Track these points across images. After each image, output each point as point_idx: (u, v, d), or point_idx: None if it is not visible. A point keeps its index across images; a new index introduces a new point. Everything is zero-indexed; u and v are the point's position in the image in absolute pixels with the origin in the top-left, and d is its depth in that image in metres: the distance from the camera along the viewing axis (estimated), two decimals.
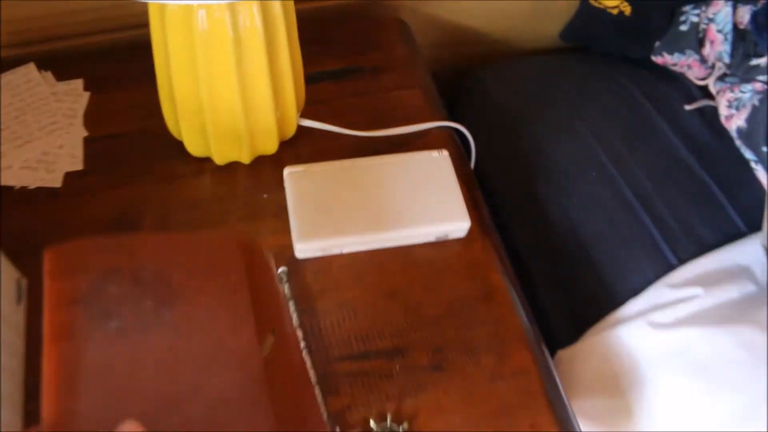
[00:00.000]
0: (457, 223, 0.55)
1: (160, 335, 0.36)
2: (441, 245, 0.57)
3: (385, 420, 0.48)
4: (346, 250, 0.55)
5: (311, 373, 0.49)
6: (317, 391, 0.48)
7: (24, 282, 0.52)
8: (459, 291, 0.55)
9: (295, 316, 0.51)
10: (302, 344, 0.50)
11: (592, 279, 0.66)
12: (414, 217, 0.55)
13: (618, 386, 0.61)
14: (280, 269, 0.53)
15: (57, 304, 0.36)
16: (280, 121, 0.56)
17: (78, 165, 0.60)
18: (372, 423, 0.48)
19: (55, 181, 0.59)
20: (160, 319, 0.37)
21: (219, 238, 0.44)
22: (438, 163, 0.58)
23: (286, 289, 0.52)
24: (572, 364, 0.62)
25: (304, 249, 0.53)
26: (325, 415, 0.47)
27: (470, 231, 0.57)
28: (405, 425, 0.48)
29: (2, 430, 0.44)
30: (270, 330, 0.42)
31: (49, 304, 0.37)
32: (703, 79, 0.75)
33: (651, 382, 0.60)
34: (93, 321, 0.36)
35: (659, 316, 0.61)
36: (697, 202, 0.69)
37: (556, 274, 0.67)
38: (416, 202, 0.56)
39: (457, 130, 0.66)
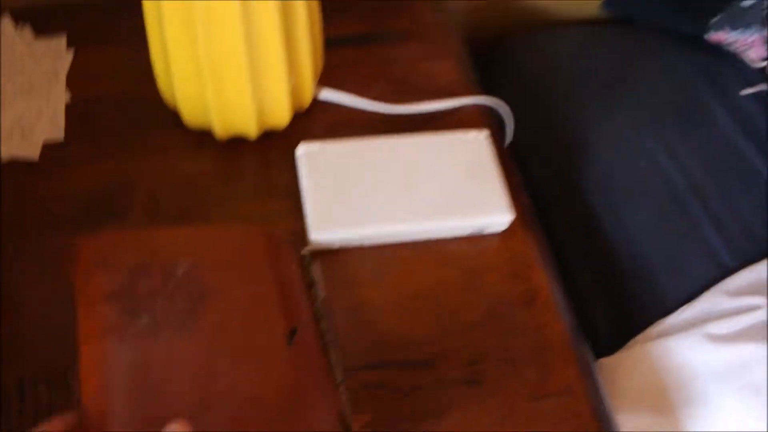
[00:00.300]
0: (496, 216, 0.48)
1: (192, 334, 0.36)
2: (477, 240, 0.49)
3: None
4: (367, 242, 0.47)
5: (338, 372, 0.42)
6: (343, 391, 0.41)
7: None
8: (497, 292, 0.47)
9: (318, 307, 0.44)
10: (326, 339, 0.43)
11: (639, 280, 0.58)
12: (447, 208, 0.47)
13: (666, 402, 0.54)
14: (304, 251, 0.46)
15: (91, 300, 0.37)
16: (294, 90, 0.48)
17: (58, 134, 0.52)
18: None
19: (32, 151, 0.51)
20: (192, 316, 0.37)
21: (246, 231, 0.42)
22: (475, 145, 0.50)
23: (313, 272, 0.45)
24: (615, 374, 0.55)
25: (320, 239, 0.46)
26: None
27: (511, 224, 0.50)
28: None
29: None
30: (294, 327, 0.40)
31: (83, 300, 0.37)
32: (765, 59, 0.67)
33: (704, 401, 0.53)
34: (126, 318, 0.36)
35: (715, 328, 0.54)
36: (757, 197, 0.62)
37: (599, 273, 0.60)
38: (450, 189, 0.48)
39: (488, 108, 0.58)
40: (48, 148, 0.51)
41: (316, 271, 0.45)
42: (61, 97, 0.54)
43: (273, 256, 0.41)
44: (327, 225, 0.46)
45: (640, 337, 0.56)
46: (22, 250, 0.46)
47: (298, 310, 0.42)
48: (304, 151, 0.49)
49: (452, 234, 0.49)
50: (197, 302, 0.38)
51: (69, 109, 0.53)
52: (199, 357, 0.36)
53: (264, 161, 0.51)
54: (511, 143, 0.59)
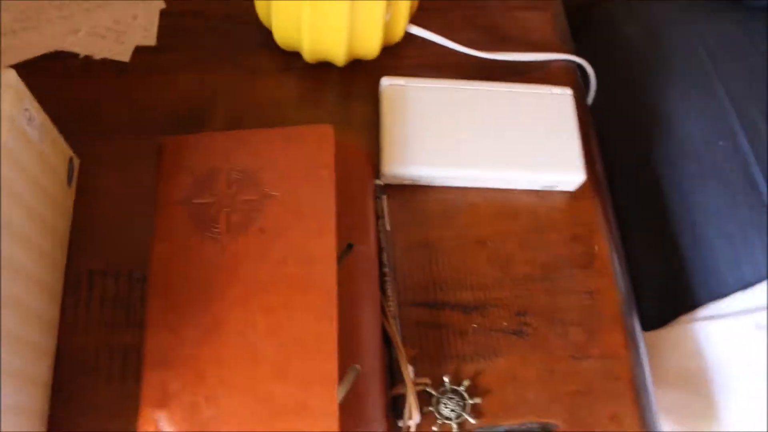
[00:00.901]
0: (569, 174, 0.48)
1: (248, 239, 0.40)
2: (545, 195, 0.49)
3: (446, 382, 0.43)
4: (438, 182, 0.48)
5: (393, 304, 0.43)
6: (397, 323, 0.43)
7: (76, 162, 0.47)
8: (556, 251, 0.48)
9: (383, 237, 0.45)
10: (386, 269, 0.45)
11: (696, 260, 0.58)
12: (521, 159, 0.47)
13: (706, 386, 0.54)
14: (377, 181, 0.47)
15: (166, 201, 0.41)
16: (388, 22, 0.48)
17: (151, 40, 0.54)
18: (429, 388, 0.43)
19: (124, 54, 0.53)
20: (248, 221, 0.40)
21: (316, 133, 0.43)
22: (559, 101, 0.50)
23: (382, 204, 0.47)
24: (657, 350, 0.56)
25: (391, 174, 0.47)
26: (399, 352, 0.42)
27: (581, 186, 0.50)
28: (466, 384, 0.43)
29: (43, 315, 0.40)
30: (349, 243, 0.43)
31: (160, 200, 0.41)
32: None
33: (746, 391, 0.53)
34: (192, 223, 0.40)
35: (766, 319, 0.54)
36: None
37: (658, 245, 0.59)
38: (527, 142, 0.48)
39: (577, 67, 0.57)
40: (139, 52, 0.53)
41: (385, 203, 0.46)
42: (157, 5, 0.56)
43: (340, 164, 0.42)
44: (401, 160, 0.46)
45: (687, 316, 0.56)
46: (106, 148, 0.48)
47: (356, 226, 0.43)
48: (388, 83, 0.49)
49: (522, 186, 0.49)
50: (255, 208, 0.40)
51: (164, 17, 0.54)
52: (250, 260, 0.39)
53: (347, 91, 0.52)
54: (591, 107, 0.58)
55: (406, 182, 0.48)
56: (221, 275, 0.39)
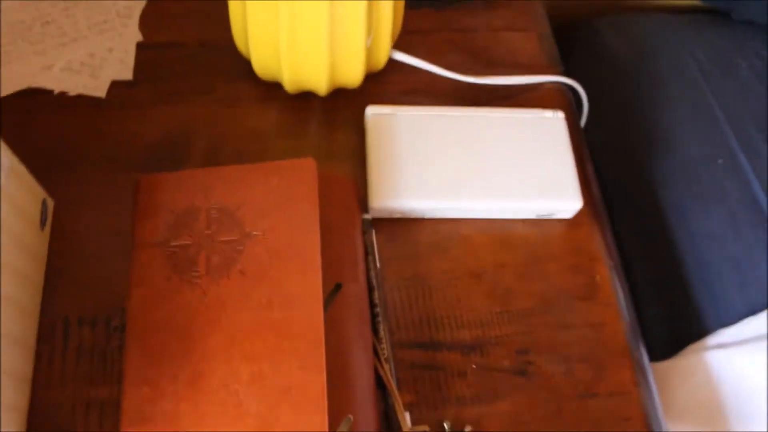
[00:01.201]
0: (566, 202, 0.46)
1: (229, 282, 0.37)
2: (540, 224, 0.47)
3: (447, 429, 0.40)
4: (429, 215, 0.46)
5: (386, 347, 0.41)
6: (391, 367, 0.40)
7: (50, 203, 0.45)
8: (556, 283, 0.45)
9: (373, 275, 0.43)
10: (377, 310, 0.42)
11: (702, 286, 0.55)
12: (515, 188, 0.45)
13: (717, 416, 0.51)
14: (365, 216, 0.45)
15: (143, 243, 0.39)
16: (370, 49, 0.46)
17: (127, 74, 0.52)
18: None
19: (100, 89, 0.51)
20: (229, 263, 0.38)
21: (298, 167, 0.41)
22: (551, 125, 0.48)
23: (371, 239, 0.44)
24: (667, 381, 0.53)
25: (380, 208, 0.44)
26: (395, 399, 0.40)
27: (579, 212, 0.47)
28: (468, 429, 0.40)
29: (13, 371, 0.37)
30: (337, 283, 0.40)
31: (137, 243, 0.39)
32: None
33: (758, 419, 0.50)
34: (169, 267, 0.38)
35: None
36: None
37: (661, 273, 0.57)
38: (520, 169, 0.46)
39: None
40: (115, 87, 0.50)
41: (374, 238, 0.44)
42: (133, 37, 0.54)
43: (327, 198, 0.41)
44: (390, 193, 0.44)
45: (696, 345, 0.54)
46: (82, 186, 0.46)
47: (344, 263, 0.41)
48: (372, 112, 0.47)
49: (517, 216, 0.47)
50: (236, 249, 0.38)
51: (140, 49, 0.52)
52: (232, 303, 0.37)
53: (331, 120, 0.50)
54: (584, 128, 0.56)
55: (395, 215, 0.45)
56: (202, 322, 0.37)
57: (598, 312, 0.45)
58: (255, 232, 0.39)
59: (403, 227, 0.46)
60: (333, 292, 0.39)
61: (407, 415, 0.39)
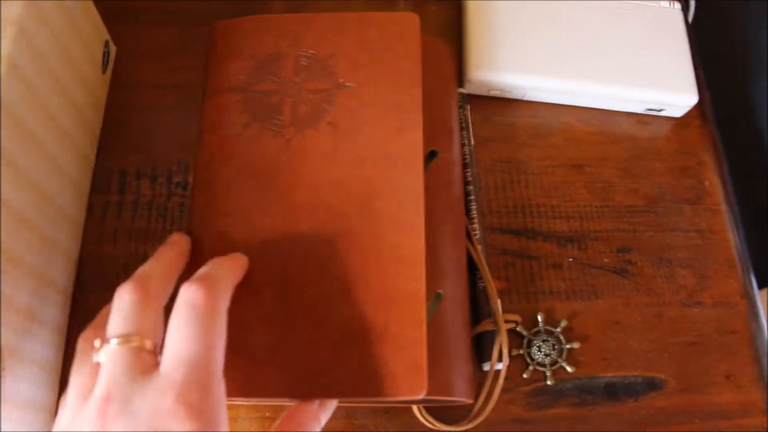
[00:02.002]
0: (680, 95, 0.41)
1: (317, 133, 0.33)
2: (648, 120, 0.43)
3: (540, 322, 0.36)
4: (529, 96, 0.41)
5: (479, 228, 0.37)
6: (483, 249, 0.36)
7: (113, 48, 0.41)
8: (662, 182, 0.41)
9: (467, 151, 0.39)
10: (470, 188, 0.38)
11: None
12: (625, 76, 0.40)
13: None
14: (460, 90, 0.40)
15: (216, 90, 0.34)
16: None
17: None
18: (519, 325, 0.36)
19: None
20: (318, 114, 0.33)
21: (399, 21, 0.35)
22: (667, 15, 0.43)
23: (466, 114, 0.40)
24: None
25: (478, 80, 0.40)
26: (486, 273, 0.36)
27: (688, 113, 0.43)
28: (563, 324, 0.36)
29: (67, 216, 0.34)
30: (431, 150, 0.36)
31: (210, 89, 0.34)
32: None
33: None
34: (248, 113, 0.33)
35: None
36: None
37: (766, 196, 0.53)
38: (632, 59, 0.41)
39: None
40: None
41: (468, 114, 0.40)
42: None
43: (425, 58, 0.35)
44: (489, 65, 0.39)
45: None
46: (145, 38, 0.42)
47: (440, 132, 0.36)
48: None
49: (624, 107, 0.42)
50: (326, 99, 0.33)
51: None
52: (319, 159, 0.32)
53: None
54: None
55: (492, 93, 0.41)
56: (283, 174, 0.32)
57: (705, 218, 0.41)
58: (348, 84, 0.34)
59: (500, 107, 0.41)
60: (428, 158, 0.35)
61: (498, 302, 0.35)
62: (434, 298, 0.32)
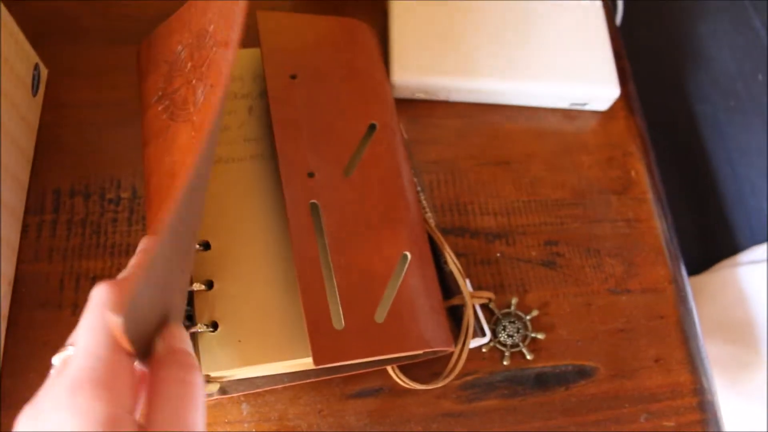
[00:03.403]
0: (603, 88, 0.42)
1: (206, 102, 0.32)
2: (573, 115, 0.44)
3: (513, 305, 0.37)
4: (453, 97, 0.42)
5: (431, 214, 0.38)
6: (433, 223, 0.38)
7: (44, 71, 0.41)
8: (589, 175, 0.42)
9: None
10: (415, 179, 0.39)
11: (737, 200, 0.52)
12: (548, 72, 0.42)
13: (753, 336, 0.49)
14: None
15: (145, 106, 0.35)
16: None
17: None
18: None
19: None
20: (205, 82, 0.33)
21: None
22: (587, 12, 0.44)
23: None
24: (699, 298, 0.50)
25: (403, 84, 0.41)
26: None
27: (613, 105, 0.44)
28: (534, 313, 0.38)
29: (1, 241, 0.34)
30: (371, 123, 0.36)
31: (143, 104, 0.36)
32: None
33: None
34: (167, 116, 0.34)
35: None
36: None
37: (694, 184, 0.54)
38: (555, 56, 0.42)
39: None
40: None
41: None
42: None
43: (355, 37, 0.37)
44: (414, 68, 0.41)
45: (729, 260, 0.51)
46: (77, 57, 0.42)
47: (383, 106, 0.37)
48: None
49: (549, 104, 0.43)
50: (205, 68, 0.33)
51: None
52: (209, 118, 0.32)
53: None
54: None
55: (418, 96, 0.42)
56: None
57: (632, 207, 0.42)
58: (211, 35, 0.34)
59: (426, 109, 0.42)
60: (369, 131, 0.36)
61: (468, 281, 0.36)
62: (400, 259, 0.33)
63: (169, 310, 0.26)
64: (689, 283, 0.45)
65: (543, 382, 0.37)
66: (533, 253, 0.39)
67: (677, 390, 0.38)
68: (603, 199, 0.42)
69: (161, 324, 0.25)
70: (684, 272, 0.42)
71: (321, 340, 0.29)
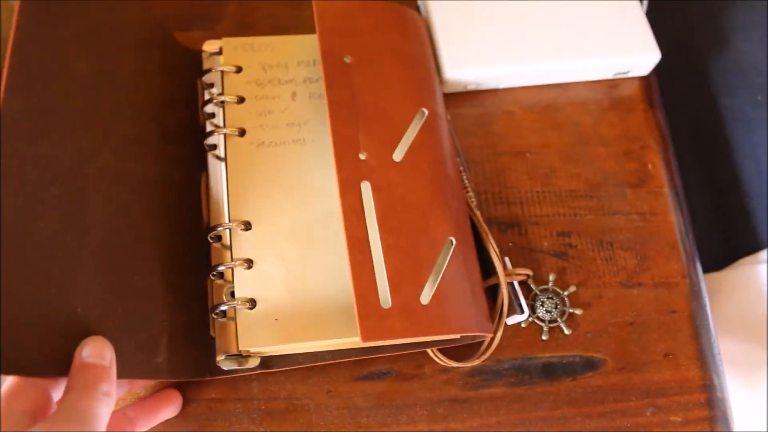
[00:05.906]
0: (643, 54, 0.43)
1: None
2: (597, 101, 0.44)
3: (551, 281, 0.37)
4: (504, 83, 0.43)
5: (472, 194, 0.39)
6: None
7: None
8: (604, 167, 0.42)
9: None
10: (459, 159, 0.40)
11: (760, 197, 0.51)
12: (591, 46, 0.43)
13: (765, 332, 0.48)
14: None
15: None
16: None
17: None
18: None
19: None
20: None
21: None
22: None
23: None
24: (716, 295, 0.49)
25: (455, 79, 0.41)
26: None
27: (633, 97, 0.44)
28: (572, 289, 0.37)
29: None
30: (422, 108, 0.37)
31: None
32: None
33: None
34: None
35: None
36: None
37: (718, 182, 0.53)
38: (593, 29, 0.43)
39: None
40: None
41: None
42: None
43: (406, 25, 0.38)
44: (463, 63, 0.41)
45: (749, 258, 0.50)
46: None
47: (429, 91, 0.39)
48: None
49: (594, 76, 0.44)
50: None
51: None
52: None
53: None
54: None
55: (469, 88, 0.43)
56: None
57: (648, 200, 0.41)
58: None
59: (447, 100, 0.42)
60: (419, 117, 0.37)
61: (507, 260, 0.38)
62: (446, 243, 0.34)
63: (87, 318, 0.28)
64: (705, 279, 0.45)
65: (550, 371, 0.37)
66: (545, 244, 0.40)
67: (686, 385, 0.37)
68: (618, 191, 0.41)
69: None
70: (699, 267, 0.41)
71: (369, 318, 0.30)
